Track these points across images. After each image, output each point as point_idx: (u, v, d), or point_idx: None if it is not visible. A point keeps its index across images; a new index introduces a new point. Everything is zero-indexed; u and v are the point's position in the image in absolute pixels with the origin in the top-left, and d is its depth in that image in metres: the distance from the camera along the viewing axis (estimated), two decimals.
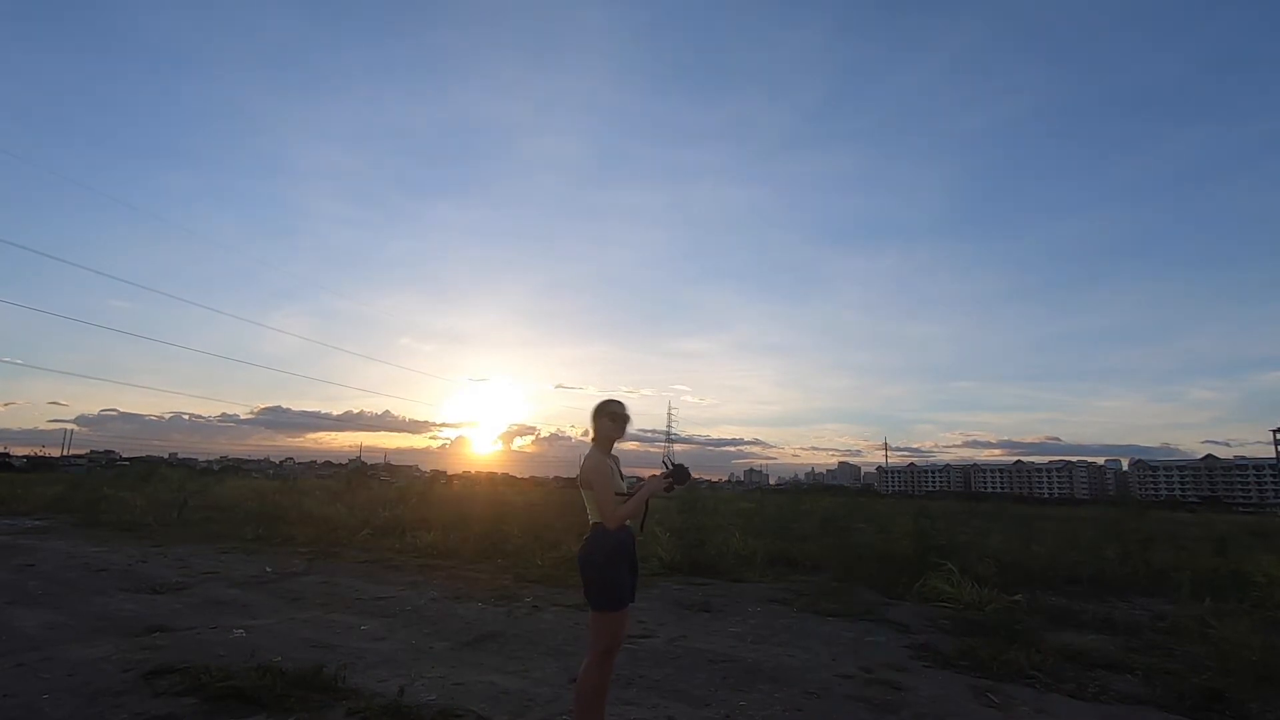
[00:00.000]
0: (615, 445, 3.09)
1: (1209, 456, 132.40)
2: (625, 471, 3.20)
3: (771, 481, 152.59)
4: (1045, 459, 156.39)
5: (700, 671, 4.60)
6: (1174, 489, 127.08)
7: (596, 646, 2.86)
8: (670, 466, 3.02)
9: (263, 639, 5.09)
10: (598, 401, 3.12)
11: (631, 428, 3.07)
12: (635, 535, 3.04)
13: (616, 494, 2.90)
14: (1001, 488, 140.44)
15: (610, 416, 3.04)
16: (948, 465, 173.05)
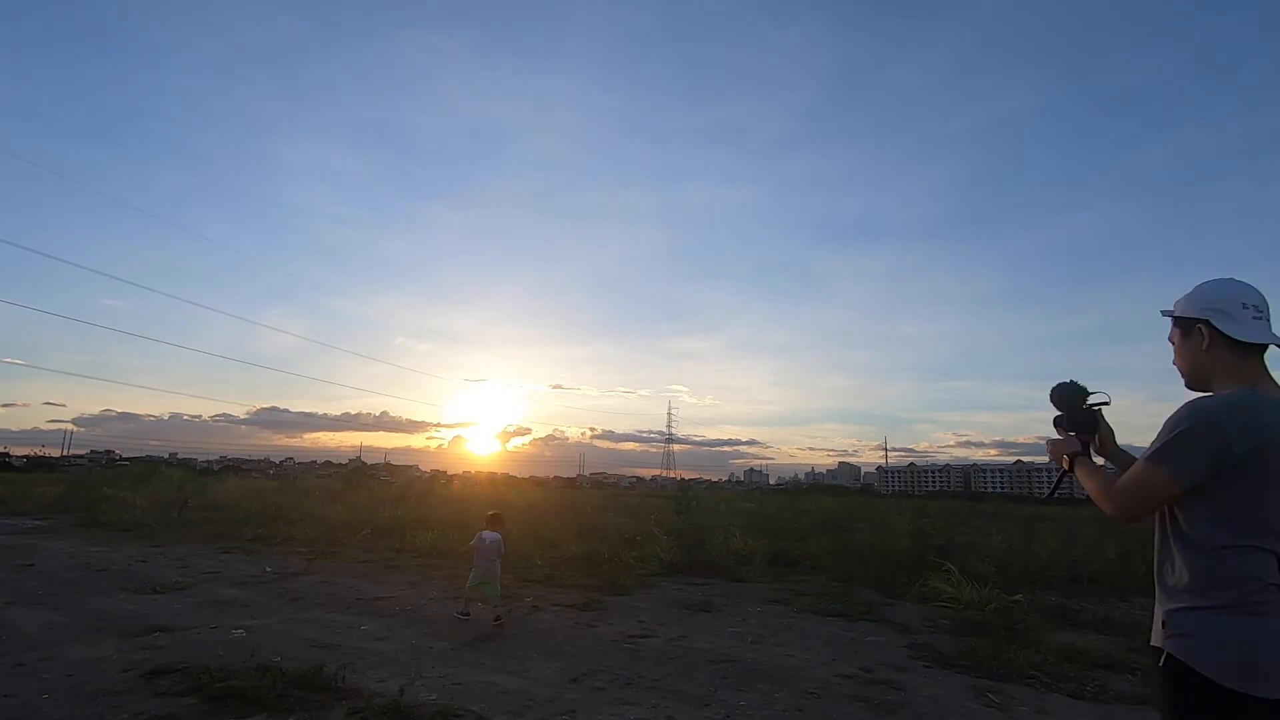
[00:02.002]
0: None
1: None
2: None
3: (771, 481, 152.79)
4: (1045, 459, 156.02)
5: (700, 671, 4.60)
6: None
7: None
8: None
9: (263, 639, 5.09)
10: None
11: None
12: None
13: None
14: (1001, 488, 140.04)
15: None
16: (948, 465, 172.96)
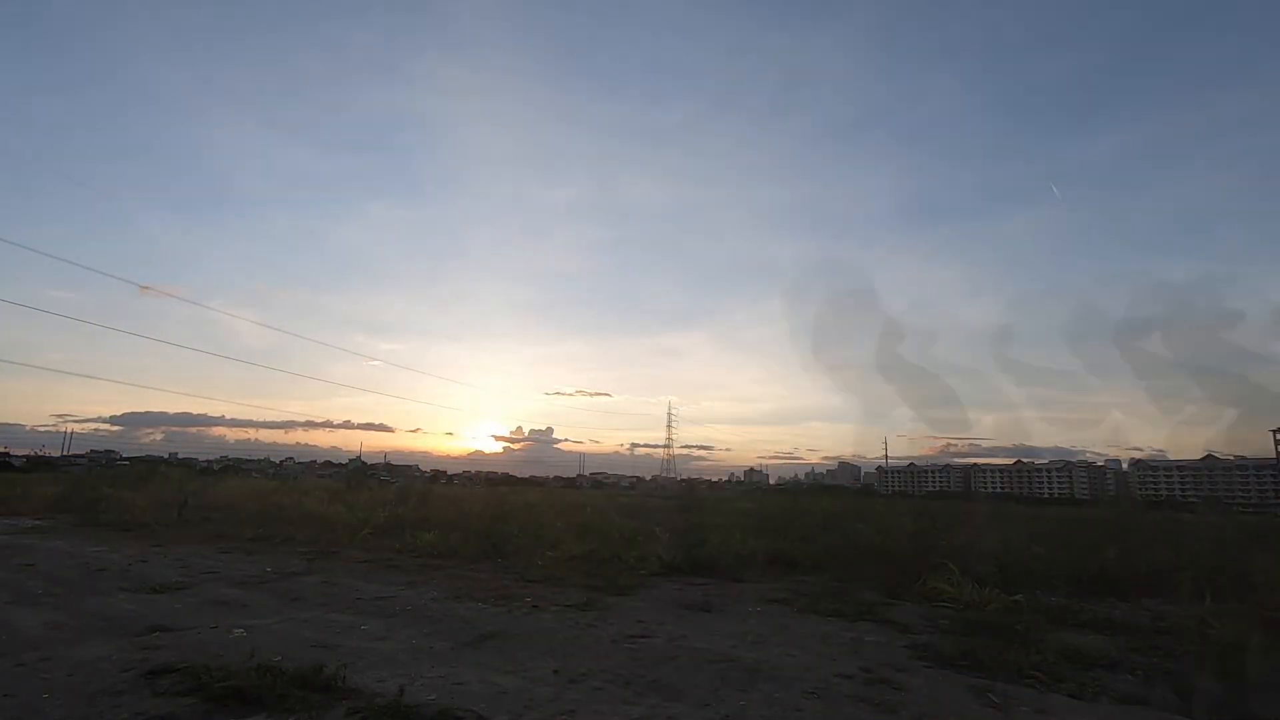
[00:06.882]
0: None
1: (1209, 456, 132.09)
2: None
3: (771, 481, 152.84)
4: (1045, 459, 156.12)
5: (700, 671, 4.60)
6: (1174, 489, 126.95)
7: None
8: None
9: (263, 639, 5.09)
10: None
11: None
12: None
13: None
14: (1001, 488, 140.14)
15: None
16: (948, 465, 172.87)
